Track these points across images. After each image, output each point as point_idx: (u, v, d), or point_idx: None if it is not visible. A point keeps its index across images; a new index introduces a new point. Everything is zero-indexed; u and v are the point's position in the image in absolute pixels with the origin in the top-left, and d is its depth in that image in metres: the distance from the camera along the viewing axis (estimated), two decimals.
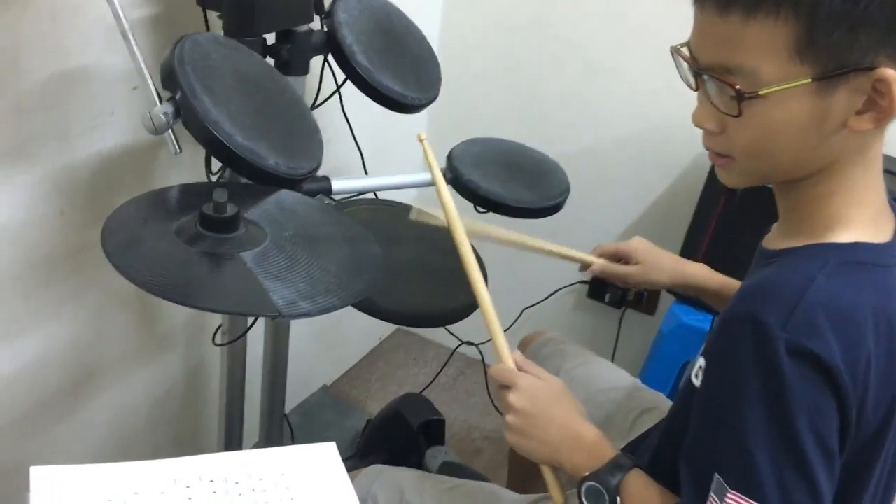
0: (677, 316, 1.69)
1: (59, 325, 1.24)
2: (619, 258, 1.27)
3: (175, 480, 0.82)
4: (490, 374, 0.96)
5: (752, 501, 0.68)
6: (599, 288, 2.04)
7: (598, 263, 1.27)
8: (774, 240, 0.84)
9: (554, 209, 1.41)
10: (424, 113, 1.43)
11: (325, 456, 0.91)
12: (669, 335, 1.71)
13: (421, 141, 1.19)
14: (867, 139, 0.75)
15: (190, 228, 0.86)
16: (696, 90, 0.79)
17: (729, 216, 1.60)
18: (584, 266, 1.29)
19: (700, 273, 1.21)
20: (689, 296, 1.29)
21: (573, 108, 1.92)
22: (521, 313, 2.03)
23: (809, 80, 0.69)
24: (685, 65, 0.78)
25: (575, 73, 1.89)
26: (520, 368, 0.94)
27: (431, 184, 1.39)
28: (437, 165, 1.17)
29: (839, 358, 0.68)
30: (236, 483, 0.84)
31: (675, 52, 0.79)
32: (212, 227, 0.85)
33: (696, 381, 0.79)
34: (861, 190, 0.77)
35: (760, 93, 0.71)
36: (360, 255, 0.93)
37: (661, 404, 1.24)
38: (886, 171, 0.81)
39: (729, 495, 0.69)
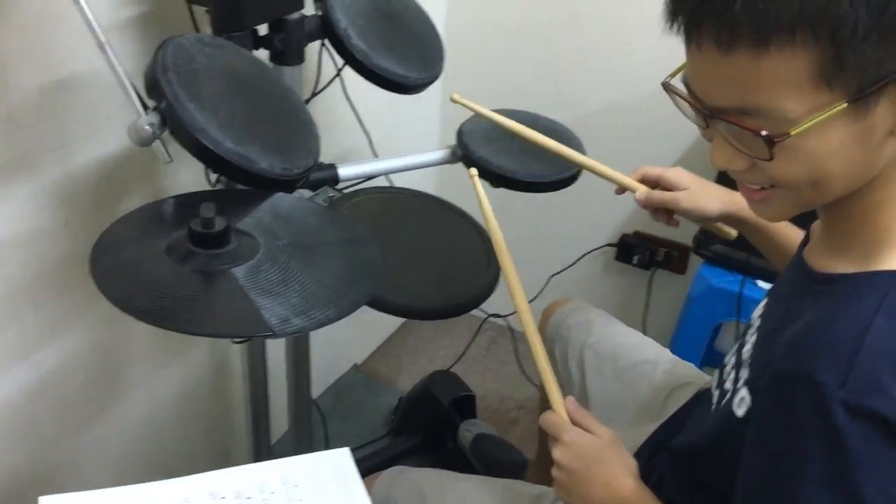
0: (706, 279, 1.65)
1: (76, 333, 1.24)
2: (662, 185, 1.13)
3: (186, 500, 0.82)
4: (540, 424, 0.92)
5: None
6: (627, 250, 1.99)
7: (642, 190, 1.13)
8: (818, 257, 0.75)
9: (570, 180, 1.37)
10: (437, 87, 1.39)
11: (338, 463, 0.89)
12: (699, 299, 1.67)
13: (472, 177, 1.14)
14: None
15: (180, 245, 0.84)
16: (705, 128, 0.70)
17: None
18: (622, 189, 1.17)
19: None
20: (714, 232, 1.17)
21: (592, 66, 1.85)
22: (548, 281, 2.01)
23: (844, 104, 0.61)
24: (685, 104, 0.69)
25: (592, 30, 1.82)
26: (572, 418, 0.90)
27: (442, 162, 1.37)
28: (487, 201, 1.11)
29: None
30: (248, 498, 0.83)
31: (668, 88, 0.70)
32: (201, 243, 0.83)
33: (739, 412, 0.73)
34: None
35: (791, 133, 0.63)
36: (357, 260, 0.91)
37: (695, 379, 1.18)
38: None
39: None
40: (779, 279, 0.85)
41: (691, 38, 0.65)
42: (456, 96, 1.25)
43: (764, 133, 0.63)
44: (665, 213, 1.12)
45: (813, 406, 0.63)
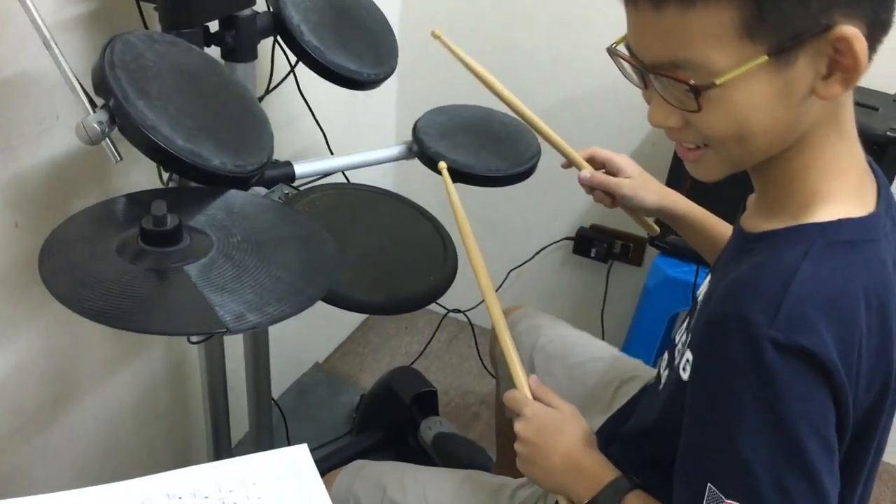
0: (662, 269, 1.67)
1: (31, 336, 1.22)
2: (609, 169, 1.19)
3: (142, 501, 0.81)
4: (503, 401, 0.96)
5: None
6: (585, 243, 2.01)
7: (588, 169, 1.18)
8: (753, 220, 0.79)
9: (526, 174, 1.38)
10: (393, 83, 1.39)
11: (297, 460, 0.89)
12: (655, 289, 1.69)
13: (441, 171, 1.18)
14: (838, 104, 0.71)
15: (132, 244, 0.83)
16: (644, 89, 0.74)
17: None
18: (568, 164, 1.22)
19: (681, 200, 1.15)
20: (640, 225, 1.24)
21: (545, 63, 1.87)
22: (508, 275, 2.02)
23: (765, 57, 0.65)
24: (627, 65, 0.73)
25: (544, 28, 1.83)
26: (534, 394, 0.93)
27: (399, 158, 1.37)
28: (457, 197, 1.14)
29: (833, 351, 0.65)
30: (206, 497, 0.83)
31: (612, 53, 0.74)
32: (153, 241, 0.83)
33: (685, 376, 0.76)
34: (838, 158, 0.73)
35: (717, 83, 0.66)
36: (313, 255, 0.91)
37: (642, 373, 1.22)
38: (861, 105, 0.77)
39: None
40: (719, 256, 0.88)
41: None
42: (437, 31, 1.26)
43: (691, 82, 0.67)
44: (605, 195, 1.17)
45: (743, 344, 0.66)
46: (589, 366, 1.25)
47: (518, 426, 0.90)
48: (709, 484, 0.68)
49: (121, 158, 0.94)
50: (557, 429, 0.89)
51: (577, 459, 0.87)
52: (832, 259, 0.69)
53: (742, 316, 0.66)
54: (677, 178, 1.62)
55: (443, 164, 1.18)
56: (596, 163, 1.19)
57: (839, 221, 0.71)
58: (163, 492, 0.82)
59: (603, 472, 0.85)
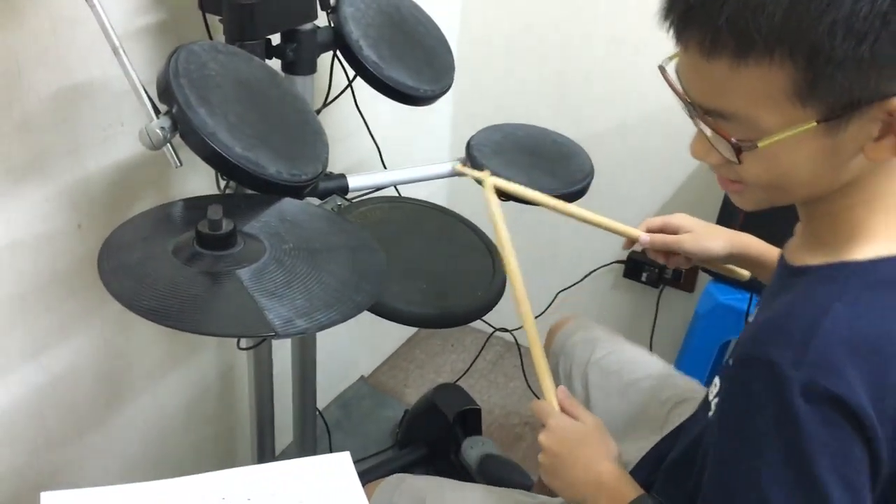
0: (713, 296, 1.64)
1: (87, 335, 1.25)
2: (667, 232, 1.17)
3: (187, 499, 0.82)
4: (530, 410, 0.97)
5: None
6: (636, 267, 1.99)
7: (647, 235, 1.17)
8: (796, 252, 0.78)
9: (578, 194, 1.37)
10: (448, 100, 1.40)
11: (339, 467, 0.90)
12: (706, 316, 1.67)
13: (482, 181, 1.15)
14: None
15: (187, 246, 0.85)
16: (690, 118, 0.72)
17: None
18: (629, 242, 1.20)
19: (754, 243, 1.12)
20: (728, 275, 1.20)
21: (600, 83, 1.86)
22: (556, 296, 2.01)
23: (815, 123, 0.63)
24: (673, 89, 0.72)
25: (601, 48, 1.83)
26: (561, 406, 0.94)
27: (451, 174, 1.38)
28: (497, 205, 1.11)
29: (862, 395, 0.63)
30: (248, 500, 0.84)
31: (663, 72, 0.73)
32: (208, 244, 0.85)
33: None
34: (886, 196, 0.70)
35: (760, 145, 0.65)
36: (362, 264, 0.92)
37: (697, 393, 1.19)
38: None
39: None
40: (767, 286, 0.86)
41: (679, 38, 0.68)
42: (485, 174, 1.20)
43: (733, 140, 0.66)
44: (674, 254, 1.16)
45: (768, 388, 0.65)
46: (644, 384, 1.23)
47: (542, 437, 0.91)
48: None
49: (181, 164, 0.97)
50: (581, 441, 0.90)
51: (598, 472, 0.87)
52: (867, 299, 0.67)
53: (767, 358, 0.65)
54: (732, 205, 1.59)
55: (487, 173, 1.15)
56: (653, 231, 1.18)
57: (878, 260, 0.69)
58: (208, 490, 0.83)
59: (625, 489, 0.84)
